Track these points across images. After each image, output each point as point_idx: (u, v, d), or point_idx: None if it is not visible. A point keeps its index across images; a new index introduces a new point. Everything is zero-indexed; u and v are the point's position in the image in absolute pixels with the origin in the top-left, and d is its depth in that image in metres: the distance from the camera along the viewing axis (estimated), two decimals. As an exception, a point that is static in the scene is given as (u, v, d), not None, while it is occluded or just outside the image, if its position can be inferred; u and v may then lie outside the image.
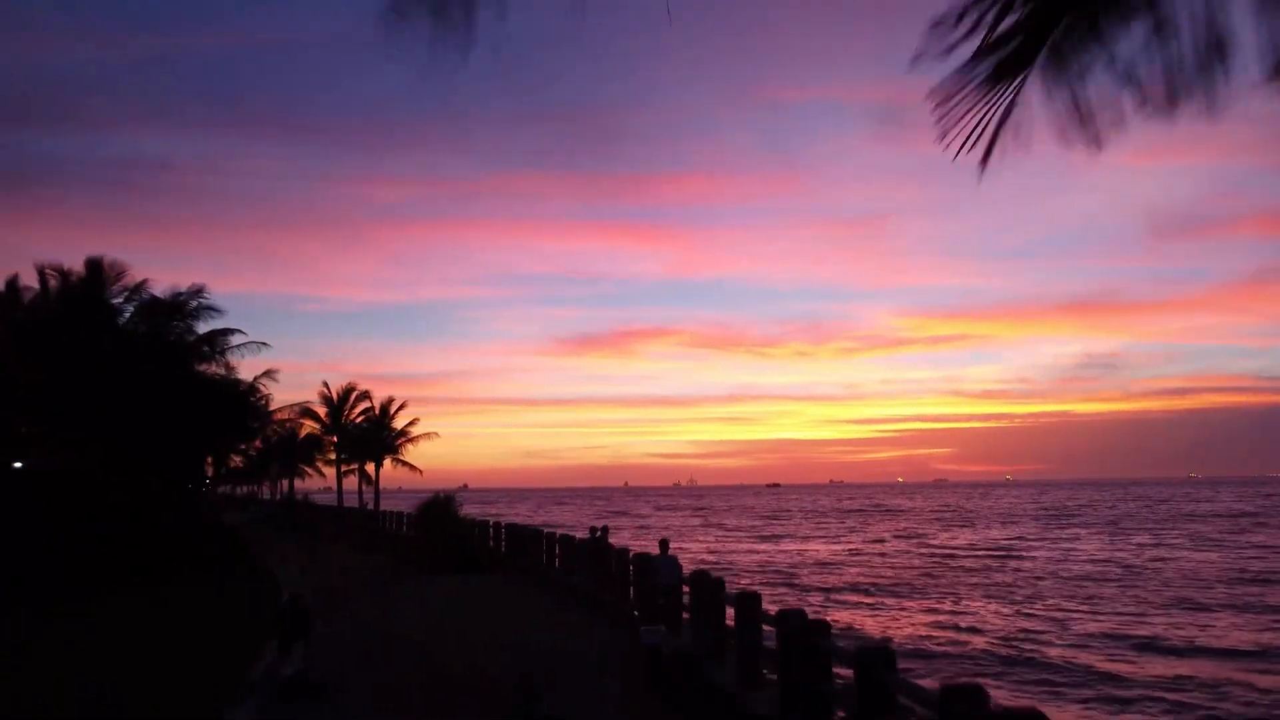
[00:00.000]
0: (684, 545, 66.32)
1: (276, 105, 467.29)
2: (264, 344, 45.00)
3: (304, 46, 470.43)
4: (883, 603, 36.13)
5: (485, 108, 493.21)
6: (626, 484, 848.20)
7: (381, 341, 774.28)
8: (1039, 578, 43.23)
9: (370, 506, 57.65)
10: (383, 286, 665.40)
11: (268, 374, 49.33)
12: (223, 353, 40.33)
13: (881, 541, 71.45)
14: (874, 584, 42.27)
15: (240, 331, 42.34)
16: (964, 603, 35.30)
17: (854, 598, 37.87)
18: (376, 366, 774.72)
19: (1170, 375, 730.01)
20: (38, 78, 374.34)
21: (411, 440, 61.94)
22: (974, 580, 43.00)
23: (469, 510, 39.82)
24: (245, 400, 44.98)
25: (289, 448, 64.92)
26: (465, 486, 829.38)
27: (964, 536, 75.13)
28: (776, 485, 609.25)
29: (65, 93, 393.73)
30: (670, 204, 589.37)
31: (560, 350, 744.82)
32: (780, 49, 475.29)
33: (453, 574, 30.76)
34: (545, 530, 29.87)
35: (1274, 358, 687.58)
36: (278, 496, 75.97)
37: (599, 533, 23.41)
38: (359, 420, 61.64)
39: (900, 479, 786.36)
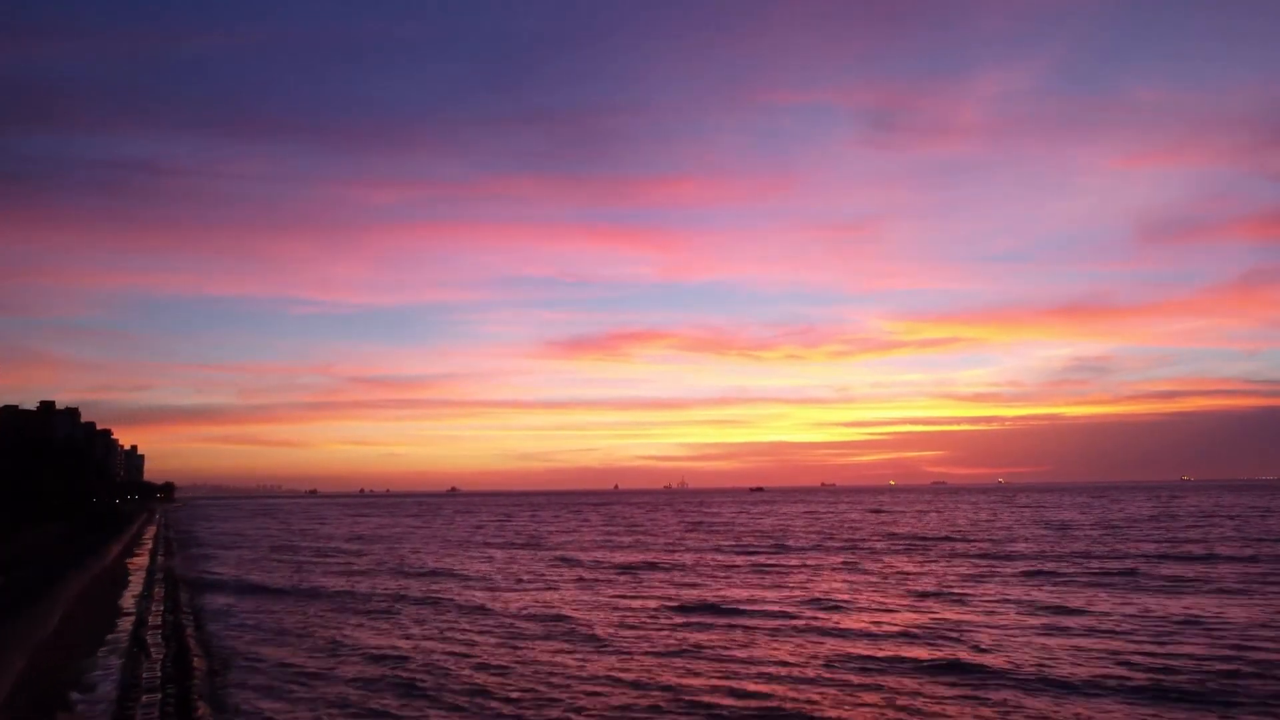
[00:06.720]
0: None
1: (271, 106, 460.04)
2: None
3: (298, 47, 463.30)
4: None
5: (477, 110, 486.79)
6: (617, 486, 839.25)
7: (375, 344, 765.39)
8: None
9: None
10: (376, 289, 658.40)
11: None
12: None
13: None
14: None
15: None
16: None
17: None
18: (370, 369, 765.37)
19: (1160, 378, 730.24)
20: (31, 78, 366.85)
21: None
22: None
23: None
24: None
25: None
26: (454, 490, 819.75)
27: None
28: (760, 489, 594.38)
29: (58, 93, 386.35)
30: (662, 207, 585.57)
31: (552, 353, 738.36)
32: (773, 52, 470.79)
33: None
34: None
35: (1264, 361, 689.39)
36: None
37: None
38: None
39: (892, 482, 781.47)
